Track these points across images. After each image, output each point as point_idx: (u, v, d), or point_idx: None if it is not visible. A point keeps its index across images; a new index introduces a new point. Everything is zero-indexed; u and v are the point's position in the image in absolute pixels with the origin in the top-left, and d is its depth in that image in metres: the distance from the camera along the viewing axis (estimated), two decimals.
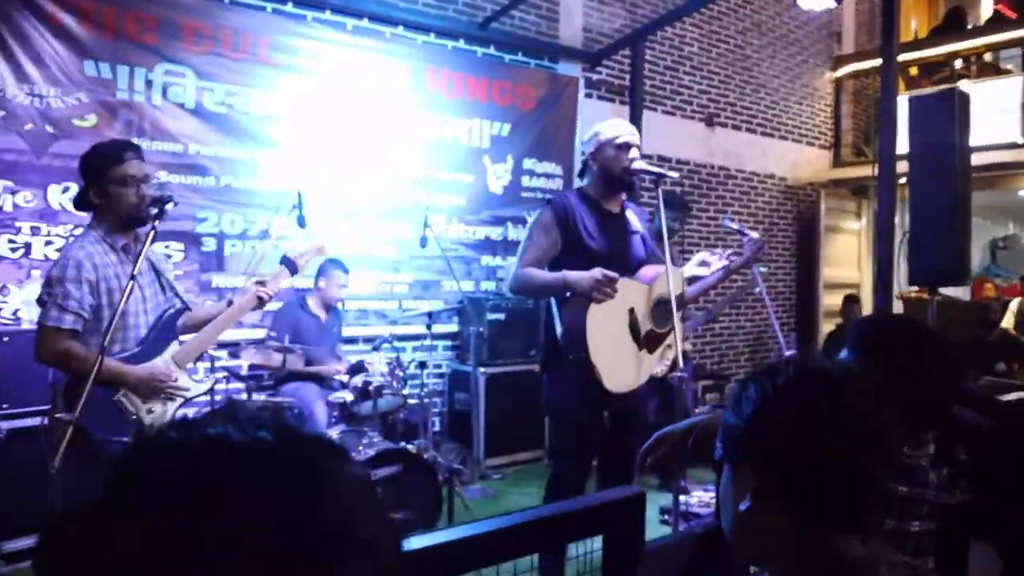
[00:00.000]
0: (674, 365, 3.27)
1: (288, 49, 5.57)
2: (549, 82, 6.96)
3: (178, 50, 5.17)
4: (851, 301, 8.75)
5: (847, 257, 9.73)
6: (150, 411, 2.90)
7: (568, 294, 3.18)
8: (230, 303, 3.20)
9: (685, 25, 7.98)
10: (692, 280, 3.73)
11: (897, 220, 5.31)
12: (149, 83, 5.08)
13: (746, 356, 9.02)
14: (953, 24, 9.42)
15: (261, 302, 3.20)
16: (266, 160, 5.49)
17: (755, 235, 3.84)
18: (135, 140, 4.81)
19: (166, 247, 5.02)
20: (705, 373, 7.97)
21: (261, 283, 3.20)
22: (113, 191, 2.84)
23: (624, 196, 3.50)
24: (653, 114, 7.64)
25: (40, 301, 2.81)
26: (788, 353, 4.53)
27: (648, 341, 3.31)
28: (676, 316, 3.22)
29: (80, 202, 2.94)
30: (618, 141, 3.35)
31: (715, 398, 7.68)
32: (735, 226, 4.31)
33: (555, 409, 3.42)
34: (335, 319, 5.38)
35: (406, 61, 6.11)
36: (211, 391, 3.21)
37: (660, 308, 3.34)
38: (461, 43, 6.52)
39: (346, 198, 5.81)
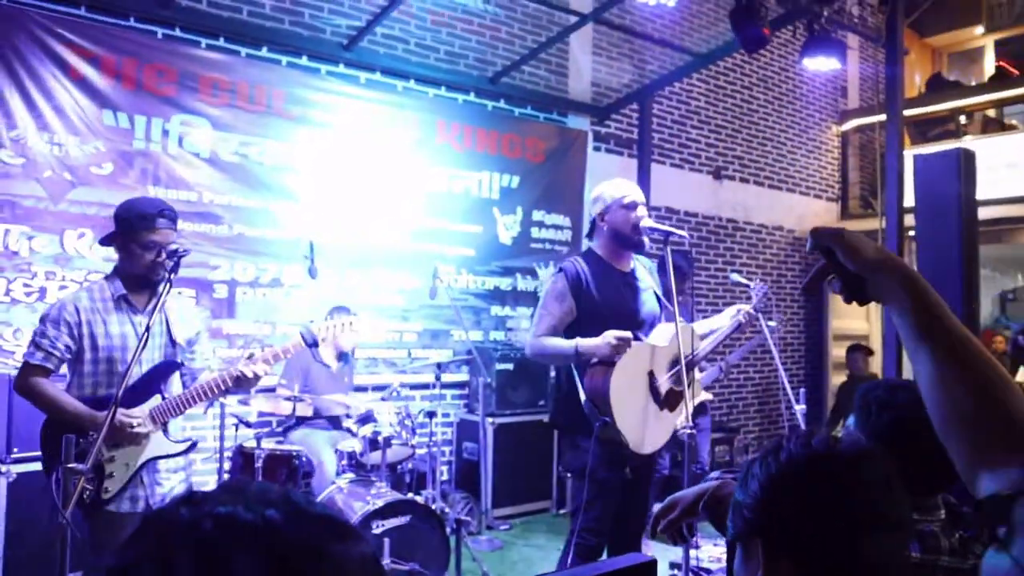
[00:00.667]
0: (695, 420, 3.31)
1: (302, 101, 5.68)
2: (558, 135, 7.07)
3: (195, 101, 5.27)
4: (856, 351, 8.58)
5: (856, 309, 9.62)
6: (112, 459, 2.91)
7: (592, 361, 3.22)
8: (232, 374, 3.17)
9: (692, 80, 8.11)
10: (706, 335, 3.77)
11: None
12: (166, 133, 5.17)
13: (755, 408, 8.98)
14: (936, 87, 9.64)
15: (238, 381, 3.08)
16: (278, 209, 5.57)
17: (760, 284, 3.90)
18: (150, 188, 4.98)
19: (179, 293, 5.06)
20: (715, 426, 7.93)
21: (250, 357, 3.14)
22: (133, 250, 2.95)
23: (633, 254, 3.54)
24: (661, 167, 7.73)
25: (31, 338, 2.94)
26: (798, 408, 4.52)
27: (668, 400, 3.35)
28: (686, 372, 3.27)
29: (107, 241, 3.06)
30: (626, 201, 3.40)
31: (724, 451, 7.64)
32: (742, 280, 4.36)
33: (576, 468, 3.44)
34: (346, 368, 5.40)
35: (417, 114, 6.22)
36: (187, 452, 3.16)
37: (679, 367, 3.37)
38: (472, 96, 6.65)
39: (356, 248, 5.87)
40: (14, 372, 4.31)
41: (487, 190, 6.59)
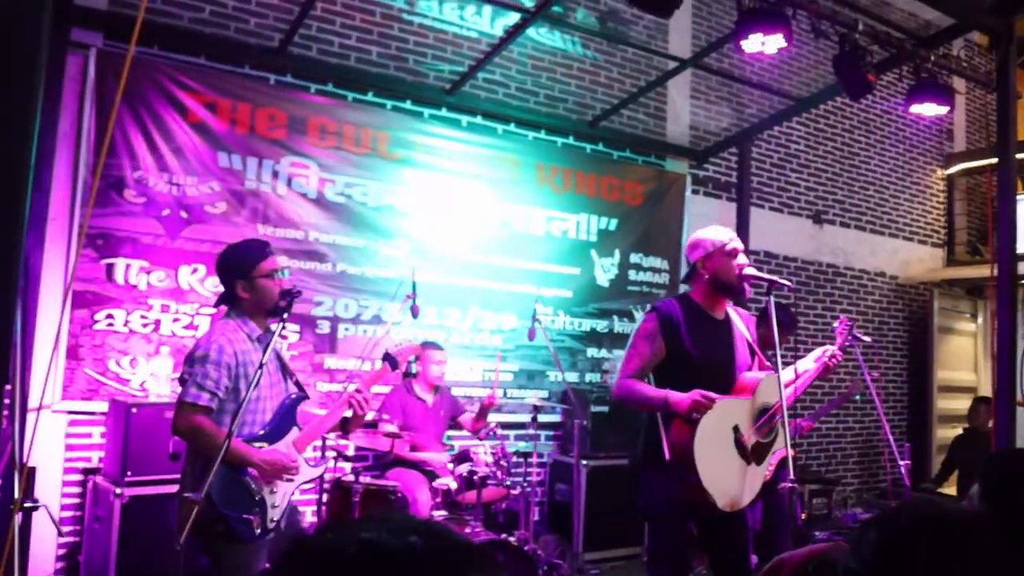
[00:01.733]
0: (780, 473, 3.19)
1: (405, 144, 5.83)
2: (656, 178, 7.05)
3: (304, 144, 5.47)
4: (981, 403, 7.81)
5: (962, 359, 9.29)
6: (272, 491, 2.99)
7: (673, 413, 3.15)
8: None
9: (791, 123, 7.99)
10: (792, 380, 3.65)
11: (1019, 320, 5.10)
12: (275, 174, 5.37)
13: (854, 459, 8.63)
14: None
15: (351, 408, 3.21)
16: (380, 248, 5.70)
17: (842, 320, 3.77)
18: (260, 227, 5.17)
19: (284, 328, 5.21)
20: (811, 476, 7.66)
21: (359, 390, 3.24)
22: (261, 283, 3.04)
23: (730, 302, 3.46)
24: (760, 211, 7.61)
25: (181, 379, 2.99)
26: (902, 464, 4.33)
27: (755, 454, 3.23)
28: (772, 422, 3.16)
29: (225, 298, 3.13)
30: (728, 247, 3.32)
31: (822, 503, 7.35)
32: (860, 336, 4.19)
33: (653, 513, 3.33)
34: (442, 403, 5.44)
35: (517, 156, 6.30)
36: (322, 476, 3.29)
37: (764, 419, 3.26)
38: (571, 139, 6.71)
39: (455, 287, 5.95)
40: (131, 399, 4.54)
41: (585, 232, 6.60)
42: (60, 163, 4.60)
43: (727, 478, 3.14)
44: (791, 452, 3.09)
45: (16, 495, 2.44)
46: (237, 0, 5.37)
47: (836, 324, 3.95)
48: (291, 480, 3.05)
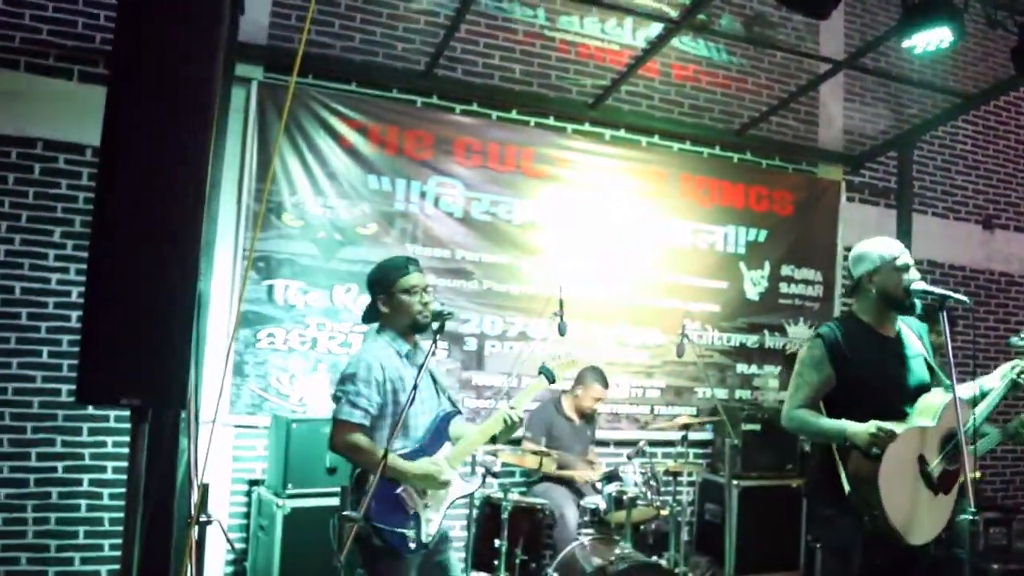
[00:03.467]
0: (961, 505, 2.94)
1: (548, 160, 5.85)
2: (808, 186, 6.76)
3: (449, 164, 5.58)
4: None
5: None
6: (426, 506, 3.03)
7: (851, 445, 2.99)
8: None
9: (957, 121, 7.47)
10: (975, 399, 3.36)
11: None
12: (423, 194, 5.50)
13: None
14: None
15: (505, 424, 3.21)
16: (525, 265, 5.73)
17: None
18: (408, 246, 5.30)
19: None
20: (987, 503, 7.10)
21: (512, 407, 3.25)
22: (401, 299, 3.11)
23: (899, 317, 3.25)
24: (923, 217, 7.16)
25: (335, 397, 3.09)
26: None
27: (943, 483, 3.01)
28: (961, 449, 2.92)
29: (369, 314, 3.24)
30: (898, 262, 3.12)
31: (1000, 533, 6.79)
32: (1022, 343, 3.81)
33: (832, 544, 3.17)
34: (588, 422, 5.40)
35: (662, 168, 6.20)
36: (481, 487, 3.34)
37: (951, 447, 3.03)
38: (717, 150, 6.53)
39: (601, 303, 5.90)
40: (291, 414, 4.74)
41: (733, 245, 6.41)
42: (226, 191, 4.88)
43: (914, 511, 2.94)
44: (976, 474, 2.87)
45: (192, 511, 2.59)
46: (385, 27, 5.55)
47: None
48: (443, 494, 3.08)
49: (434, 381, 3.26)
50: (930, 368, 3.22)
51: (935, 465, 3.00)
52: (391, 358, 3.10)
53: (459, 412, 3.30)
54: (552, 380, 3.41)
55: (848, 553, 3.06)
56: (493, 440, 3.31)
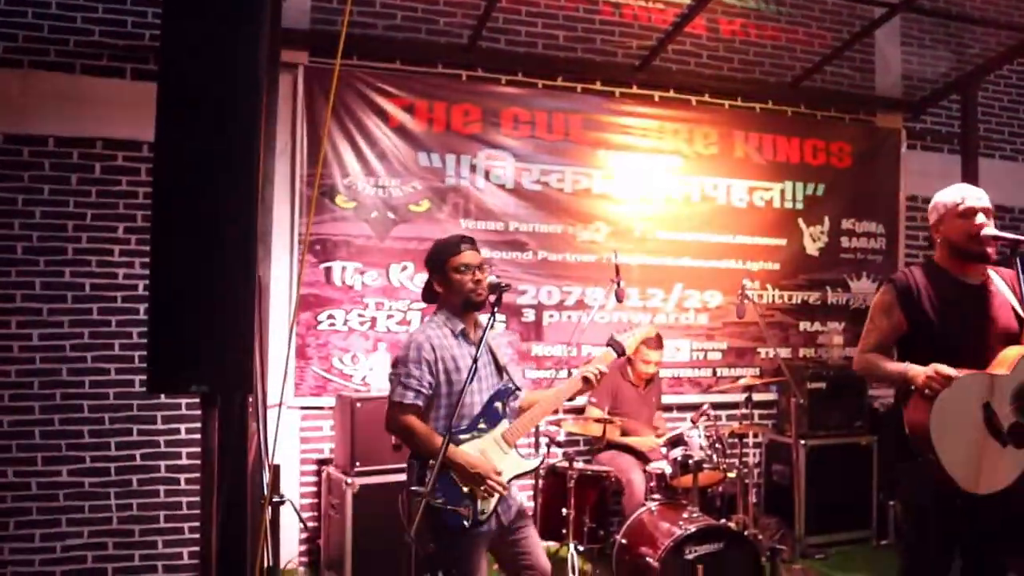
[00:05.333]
0: None
1: (598, 126, 5.78)
2: (866, 136, 6.57)
3: (498, 136, 5.55)
4: None
5: None
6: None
7: (912, 389, 2.92)
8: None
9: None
10: None
11: None
12: (473, 168, 5.49)
13: None
14: None
15: (587, 383, 3.21)
16: (579, 233, 5.71)
17: None
18: (462, 221, 5.31)
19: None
20: None
21: (600, 371, 3.21)
22: (453, 278, 3.12)
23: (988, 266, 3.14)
24: (990, 161, 6.89)
25: (389, 379, 3.13)
26: None
27: (1015, 436, 2.90)
28: None
29: (427, 293, 3.27)
30: (961, 208, 3.03)
31: None
32: None
33: (908, 503, 3.13)
34: (652, 388, 5.37)
35: (714, 127, 6.09)
36: (542, 461, 3.31)
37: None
38: (770, 104, 6.38)
39: (657, 267, 5.86)
40: (355, 394, 4.81)
41: (791, 200, 6.28)
42: (279, 178, 4.94)
43: (975, 459, 2.84)
44: None
45: (265, 491, 2.66)
46: (426, 2, 5.52)
47: None
48: (489, 495, 3.03)
49: (495, 358, 3.25)
50: (1020, 319, 3.11)
51: (1005, 414, 2.90)
52: (444, 338, 3.11)
53: (518, 389, 3.27)
54: (621, 353, 3.37)
55: (922, 507, 3.01)
56: (586, 383, 3.24)
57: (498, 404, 3.15)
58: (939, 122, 6.94)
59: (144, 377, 2.15)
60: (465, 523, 2.95)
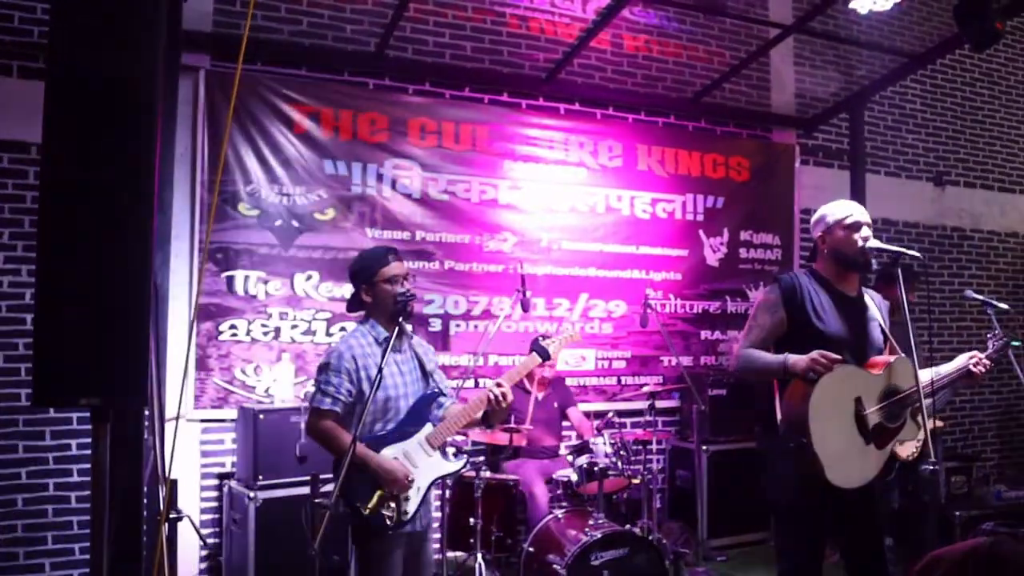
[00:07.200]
0: (923, 455, 2.99)
1: (504, 136, 5.83)
2: (763, 151, 6.82)
3: (405, 145, 5.53)
4: None
5: None
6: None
7: (789, 378, 3.02)
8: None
9: (906, 81, 7.57)
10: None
11: None
12: (380, 177, 5.45)
13: (993, 432, 8.17)
14: None
15: (490, 403, 3.20)
16: (486, 243, 5.73)
17: (997, 335, 3.42)
18: (368, 230, 5.27)
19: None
20: (947, 453, 7.29)
21: (498, 383, 3.22)
22: (381, 289, 3.18)
23: (860, 279, 3.30)
24: (876, 177, 7.26)
25: (313, 386, 3.20)
26: None
27: (876, 436, 3.04)
28: (900, 409, 2.98)
29: (352, 303, 3.31)
30: (848, 221, 3.18)
31: (962, 482, 6.98)
32: (979, 298, 3.85)
33: (774, 495, 3.19)
34: (554, 395, 5.42)
35: (618, 140, 6.21)
36: (463, 468, 3.40)
37: (891, 401, 3.07)
38: (672, 119, 6.55)
39: (563, 277, 5.94)
40: (257, 406, 4.70)
41: (692, 212, 6.46)
42: (179, 183, 4.79)
43: (840, 451, 2.94)
44: (939, 424, 2.88)
45: (161, 507, 2.56)
46: (332, 9, 5.47)
47: (991, 335, 3.54)
48: (425, 472, 3.12)
49: (421, 364, 3.31)
50: (884, 336, 3.27)
51: (871, 412, 3.03)
52: (368, 346, 3.17)
53: (442, 394, 3.33)
54: (547, 358, 3.40)
55: (790, 503, 3.09)
56: (486, 419, 3.28)
57: (423, 408, 3.23)
58: (830, 139, 7.27)
59: (30, 390, 2.04)
60: (388, 523, 3.01)
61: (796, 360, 2.97)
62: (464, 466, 3.37)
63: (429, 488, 3.17)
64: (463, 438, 4.93)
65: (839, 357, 2.92)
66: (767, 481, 3.21)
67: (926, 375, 3.20)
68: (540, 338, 3.49)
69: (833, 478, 2.91)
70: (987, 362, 3.29)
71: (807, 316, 3.12)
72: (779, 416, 3.06)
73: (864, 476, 3.02)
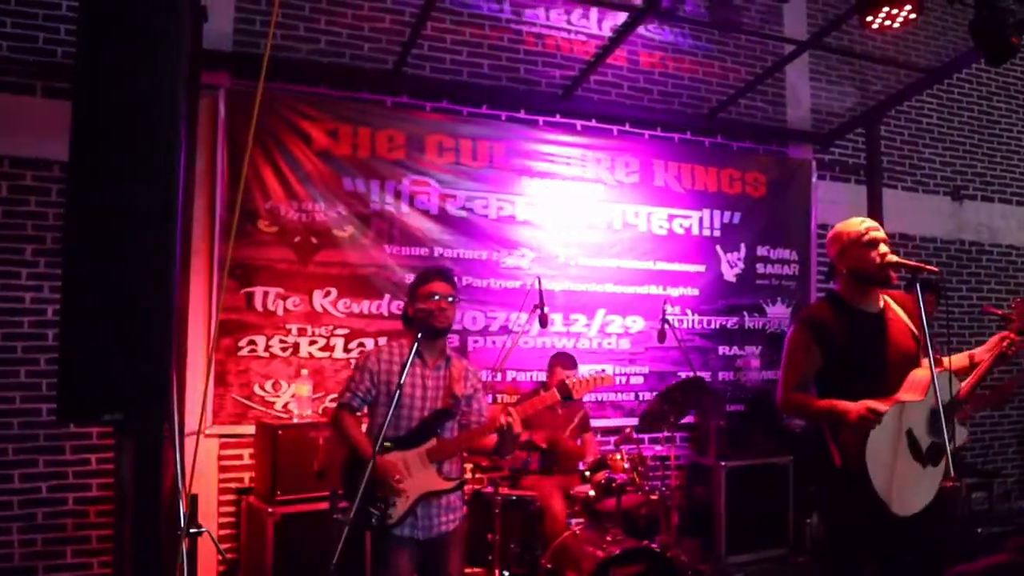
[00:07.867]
0: (946, 474, 2.99)
1: (522, 153, 5.85)
2: (779, 167, 6.82)
3: (423, 162, 5.56)
4: None
5: None
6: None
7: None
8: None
9: (922, 96, 7.56)
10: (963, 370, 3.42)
11: None
12: (398, 194, 5.48)
13: (1014, 448, 8.08)
14: None
15: (501, 431, 3.28)
16: (503, 259, 5.74)
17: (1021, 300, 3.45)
18: (386, 247, 5.30)
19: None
20: (969, 470, 7.21)
21: (508, 412, 3.30)
22: (420, 306, 3.37)
23: (882, 293, 3.30)
24: (893, 191, 7.23)
25: None
26: None
27: (931, 455, 3.06)
28: (947, 421, 2.97)
29: (402, 317, 3.58)
30: (865, 239, 3.17)
31: (983, 498, 6.90)
32: (999, 312, 3.87)
33: (834, 522, 3.25)
34: (574, 410, 5.41)
35: (634, 156, 6.23)
36: (456, 490, 3.42)
37: (938, 421, 3.08)
38: (688, 134, 6.56)
39: (580, 293, 5.94)
40: (276, 421, 4.72)
41: (708, 228, 6.46)
42: (199, 201, 4.84)
43: (900, 482, 2.99)
44: (967, 439, 2.91)
45: (181, 523, 2.58)
46: (350, 28, 5.52)
47: (1011, 306, 3.59)
48: (415, 484, 3.24)
49: (449, 384, 3.40)
50: (916, 339, 3.26)
51: (922, 436, 3.05)
52: (394, 354, 3.40)
53: (453, 412, 3.39)
54: (568, 398, 3.50)
55: (848, 527, 3.12)
56: (499, 451, 3.41)
57: (434, 423, 3.33)
58: (846, 153, 7.25)
59: (52, 406, 2.07)
60: (373, 522, 3.15)
61: (844, 411, 2.98)
62: (455, 489, 3.41)
63: (425, 501, 3.26)
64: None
65: (885, 408, 2.93)
66: (826, 505, 3.29)
67: (959, 360, 3.30)
68: (568, 379, 3.54)
69: (900, 511, 2.98)
70: (1017, 338, 3.32)
71: (837, 348, 3.13)
72: (835, 453, 3.09)
73: (928, 497, 3.07)
